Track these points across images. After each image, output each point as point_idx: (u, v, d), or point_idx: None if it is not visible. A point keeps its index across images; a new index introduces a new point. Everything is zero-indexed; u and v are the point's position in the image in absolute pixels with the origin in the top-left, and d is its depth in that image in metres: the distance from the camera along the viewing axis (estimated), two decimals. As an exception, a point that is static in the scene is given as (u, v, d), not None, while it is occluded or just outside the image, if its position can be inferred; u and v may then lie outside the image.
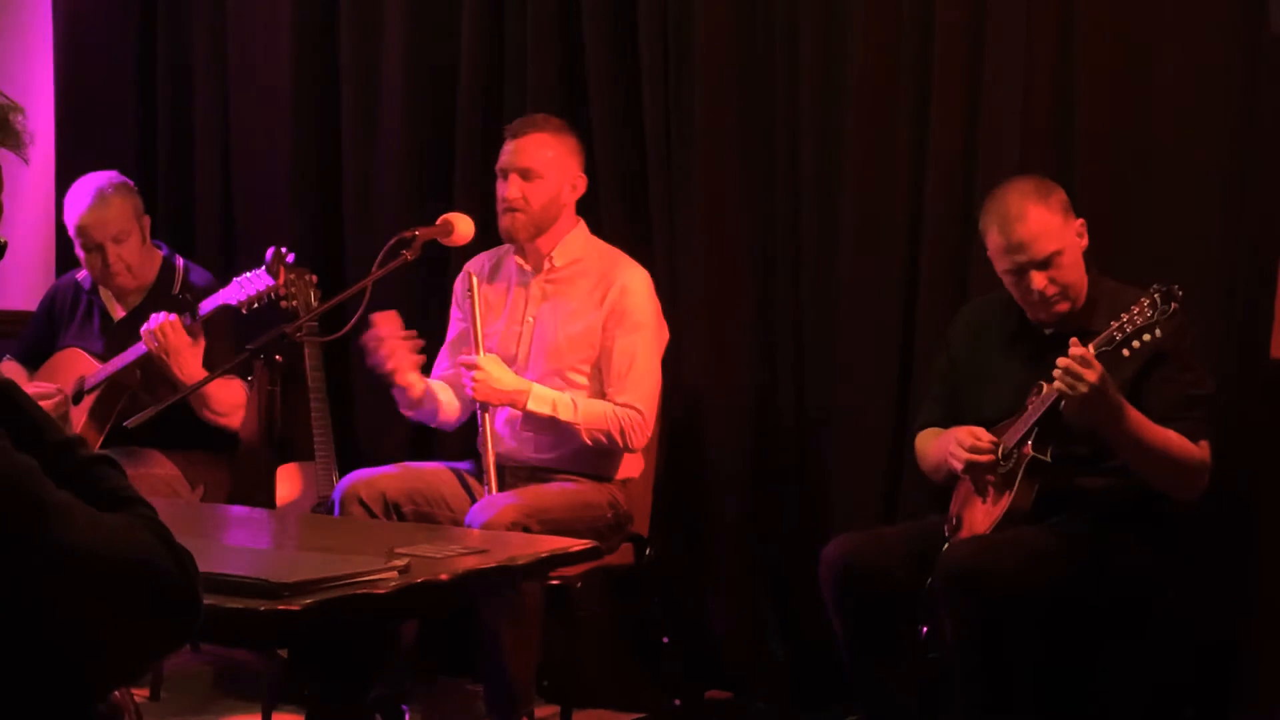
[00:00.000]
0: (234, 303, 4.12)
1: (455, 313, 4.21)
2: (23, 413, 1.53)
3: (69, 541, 1.42)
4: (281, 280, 4.09)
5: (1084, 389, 3.19)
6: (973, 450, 3.45)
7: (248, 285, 4.10)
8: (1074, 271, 3.46)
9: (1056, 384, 3.24)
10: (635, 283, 4.02)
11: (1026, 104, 3.90)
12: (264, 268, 4.10)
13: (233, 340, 4.34)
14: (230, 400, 4.35)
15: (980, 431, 3.47)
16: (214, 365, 4.20)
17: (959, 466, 3.48)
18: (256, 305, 4.12)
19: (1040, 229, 3.41)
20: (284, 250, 4.10)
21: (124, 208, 4.40)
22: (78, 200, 4.40)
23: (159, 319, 4.16)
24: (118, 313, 4.49)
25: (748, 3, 4.27)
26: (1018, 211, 3.42)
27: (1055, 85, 3.89)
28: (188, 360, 4.17)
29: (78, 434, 1.58)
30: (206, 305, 4.19)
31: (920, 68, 4.05)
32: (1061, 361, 3.22)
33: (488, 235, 4.22)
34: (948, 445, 3.52)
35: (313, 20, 4.98)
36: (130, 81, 5.34)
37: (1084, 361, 3.19)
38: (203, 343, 4.21)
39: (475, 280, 4.03)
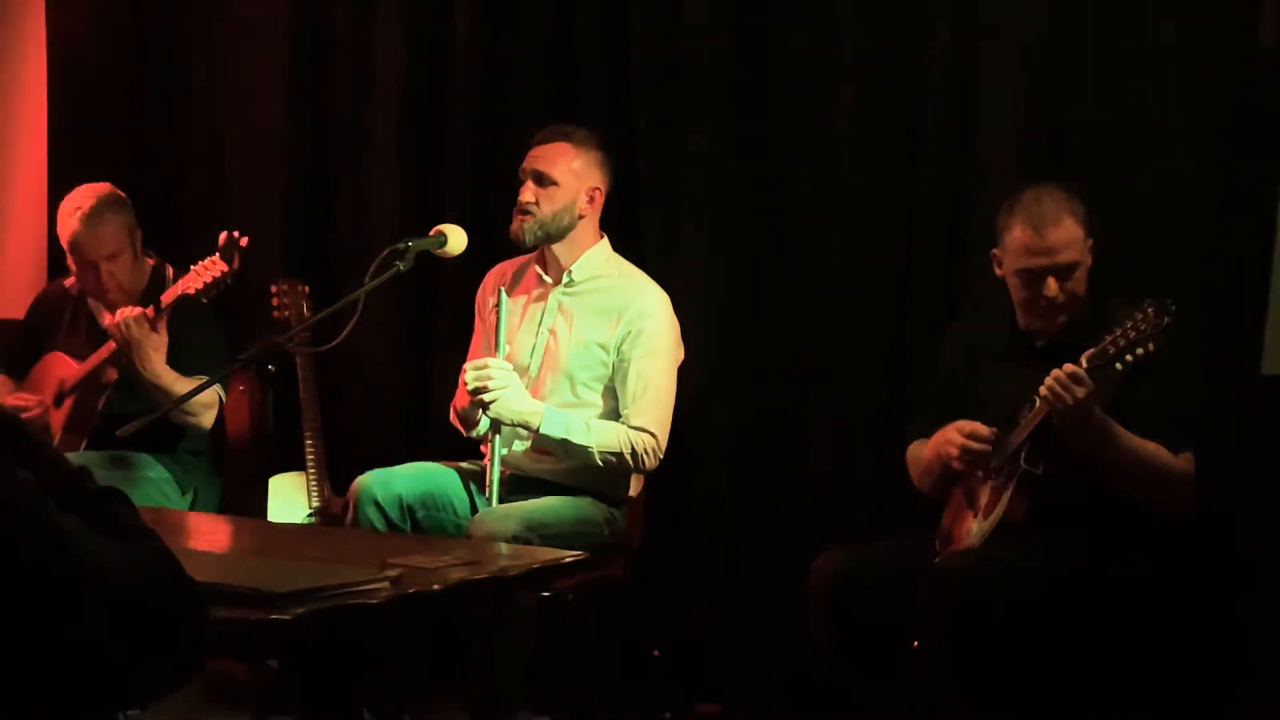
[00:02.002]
0: (192, 292, 4.09)
1: (478, 324, 4.21)
2: (29, 444, 1.51)
3: (71, 561, 1.40)
4: (236, 265, 4.07)
5: (1070, 402, 3.20)
6: (972, 436, 3.44)
7: (203, 273, 4.09)
8: (1081, 286, 3.49)
9: (1044, 395, 3.25)
10: (653, 305, 4.02)
11: (1019, 115, 3.91)
12: (218, 254, 4.08)
13: (213, 337, 4.33)
14: (200, 400, 4.31)
15: (979, 425, 3.46)
16: (194, 362, 4.20)
17: (954, 453, 3.47)
18: (215, 293, 4.09)
19: (1070, 238, 3.44)
20: (236, 234, 4.08)
21: (118, 227, 4.37)
22: (72, 215, 4.36)
23: (125, 311, 4.14)
24: (105, 320, 4.46)
25: (740, 23, 4.28)
26: (1054, 216, 3.44)
27: (1047, 98, 3.90)
28: (148, 354, 4.14)
29: (85, 467, 1.56)
30: (166, 297, 4.16)
31: (913, 88, 4.07)
32: (1052, 375, 3.23)
33: (481, 247, 4.22)
34: (942, 439, 3.51)
35: (306, 33, 4.98)
36: (122, 92, 5.34)
37: (1076, 378, 3.20)
38: (165, 338, 4.17)
39: (504, 295, 4.03)
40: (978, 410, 3.57)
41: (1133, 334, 3.20)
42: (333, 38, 4.93)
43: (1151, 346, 3.19)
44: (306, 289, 4.55)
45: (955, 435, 3.47)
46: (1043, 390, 3.25)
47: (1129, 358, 3.21)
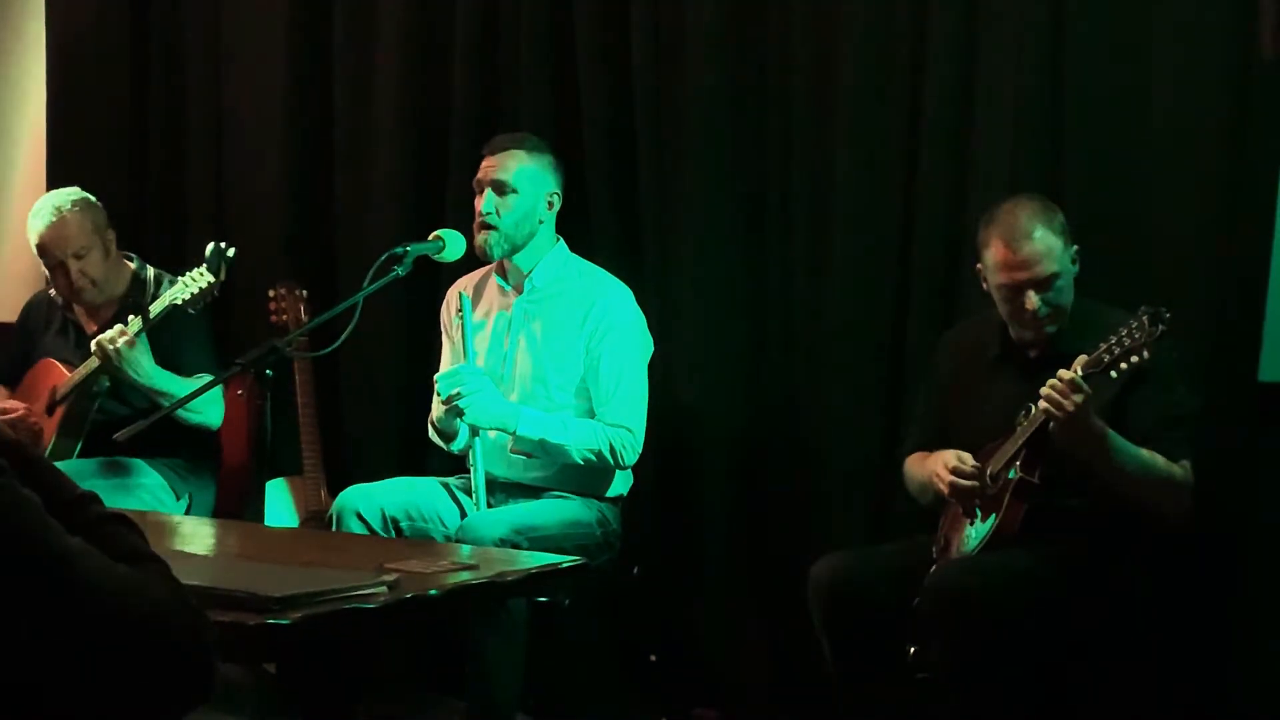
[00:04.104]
0: (180, 303, 4.09)
1: (445, 342, 4.21)
2: (33, 467, 1.51)
3: (76, 584, 1.39)
4: (223, 276, 4.07)
5: (1070, 409, 3.20)
6: (957, 473, 3.46)
7: (190, 284, 4.08)
8: (1066, 295, 3.48)
9: (1043, 405, 3.26)
10: (617, 299, 4.03)
11: (1017, 128, 3.92)
12: (204, 264, 4.08)
13: (202, 338, 4.32)
14: (203, 396, 4.29)
15: (966, 456, 3.48)
16: (186, 366, 4.21)
17: (945, 490, 3.49)
18: (202, 304, 4.09)
19: (1045, 250, 3.43)
20: (223, 245, 4.08)
21: (82, 223, 4.36)
22: (37, 218, 4.37)
23: (108, 333, 4.12)
24: (90, 327, 4.44)
25: (741, 26, 4.28)
26: (1027, 230, 3.44)
27: (1045, 109, 3.91)
28: (138, 363, 4.13)
29: (91, 491, 1.55)
30: (154, 308, 4.15)
31: (911, 92, 4.07)
32: (1049, 383, 3.23)
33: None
34: (934, 468, 3.53)
35: (307, 38, 4.99)
36: (122, 97, 5.35)
37: (1073, 385, 3.20)
38: (144, 341, 4.16)
39: (468, 302, 4.04)
40: (972, 418, 3.58)
41: (1127, 342, 3.20)
42: (333, 40, 4.94)
43: (1146, 354, 3.19)
44: (304, 293, 4.55)
45: (943, 471, 3.48)
46: (1041, 399, 3.26)
47: (1123, 365, 3.21)
